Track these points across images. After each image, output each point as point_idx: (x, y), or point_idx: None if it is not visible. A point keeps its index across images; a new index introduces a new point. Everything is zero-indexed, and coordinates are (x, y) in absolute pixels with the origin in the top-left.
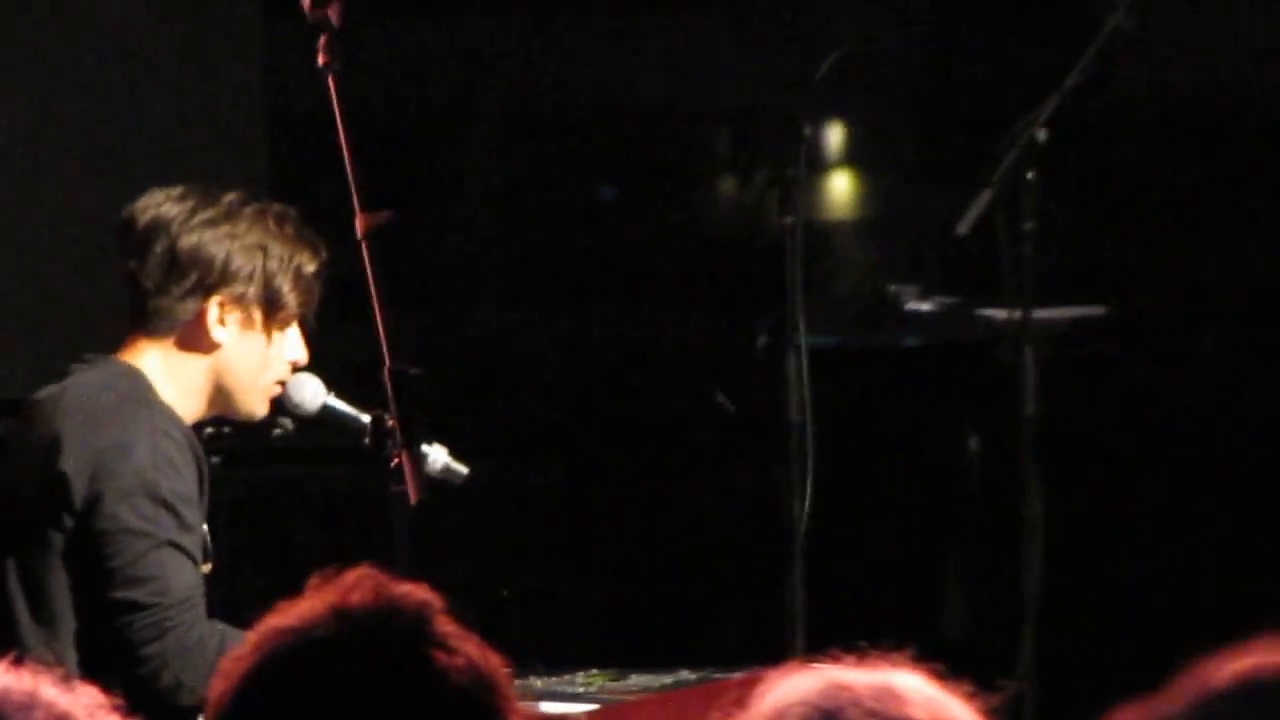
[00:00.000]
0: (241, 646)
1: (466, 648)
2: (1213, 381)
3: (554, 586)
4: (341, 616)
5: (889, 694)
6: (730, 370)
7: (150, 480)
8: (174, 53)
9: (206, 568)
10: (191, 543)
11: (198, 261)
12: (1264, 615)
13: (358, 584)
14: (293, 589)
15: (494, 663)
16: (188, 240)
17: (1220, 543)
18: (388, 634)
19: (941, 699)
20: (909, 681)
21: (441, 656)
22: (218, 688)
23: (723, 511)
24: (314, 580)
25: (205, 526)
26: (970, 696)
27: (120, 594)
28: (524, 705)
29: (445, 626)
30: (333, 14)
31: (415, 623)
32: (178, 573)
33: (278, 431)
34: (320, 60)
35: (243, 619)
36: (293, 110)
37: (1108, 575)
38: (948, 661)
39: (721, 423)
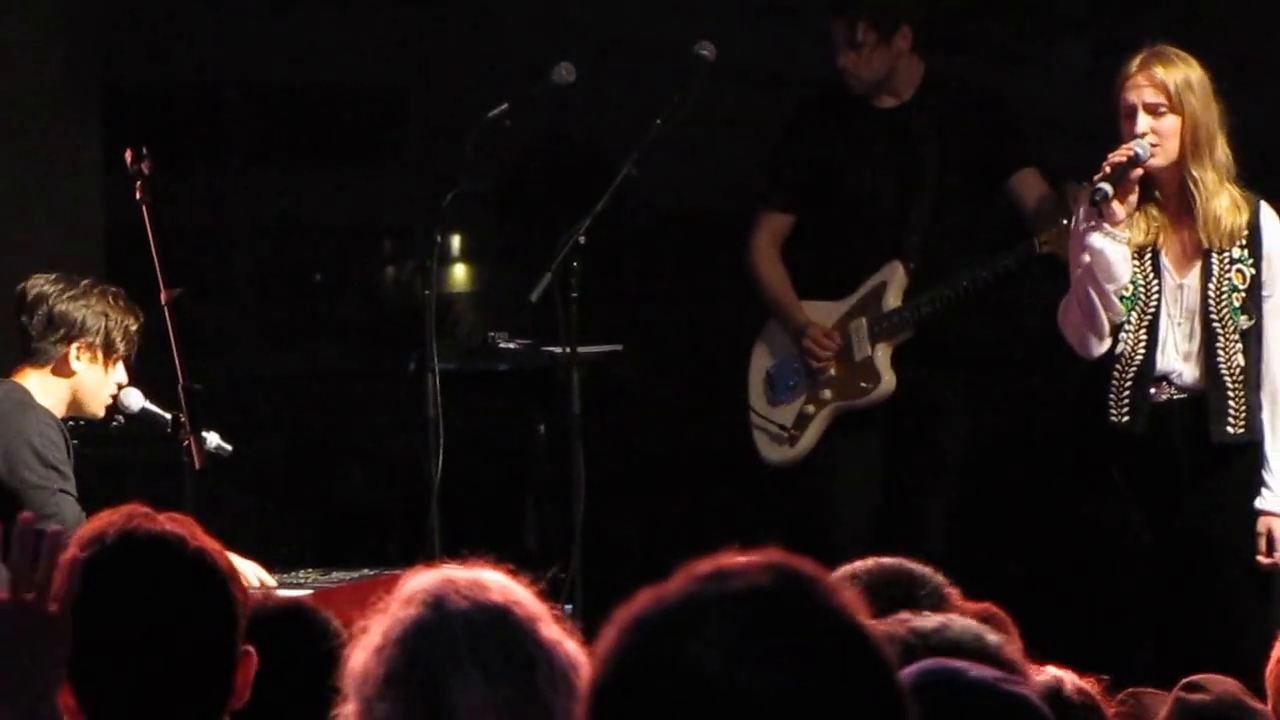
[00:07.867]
0: (70, 548)
1: (208, 544)
2: (683, 390)
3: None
4: (120, 531)
5: (477, 584)
6: (392, 386)
7: (41, 453)
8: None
9: None
10: (72, 488)
11: (65, 321)
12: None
13: (133, 512)
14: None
15: (225, 556)
16: (59, 308)
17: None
18: (153, 537)
19: (511, 585)
20: (492, 575)
21: (188, 545)
22: (58, 578)
23: (388, 474)
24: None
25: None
26: (533, 584)
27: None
28: (263, 589)
29: (199, 536)
30: (145, 167)
31: (178, 530)
32: (69, 508)
33: (114, 424)
34: (137, 195)
35: None
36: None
37: (631, 510)
38: (526, 563)
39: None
